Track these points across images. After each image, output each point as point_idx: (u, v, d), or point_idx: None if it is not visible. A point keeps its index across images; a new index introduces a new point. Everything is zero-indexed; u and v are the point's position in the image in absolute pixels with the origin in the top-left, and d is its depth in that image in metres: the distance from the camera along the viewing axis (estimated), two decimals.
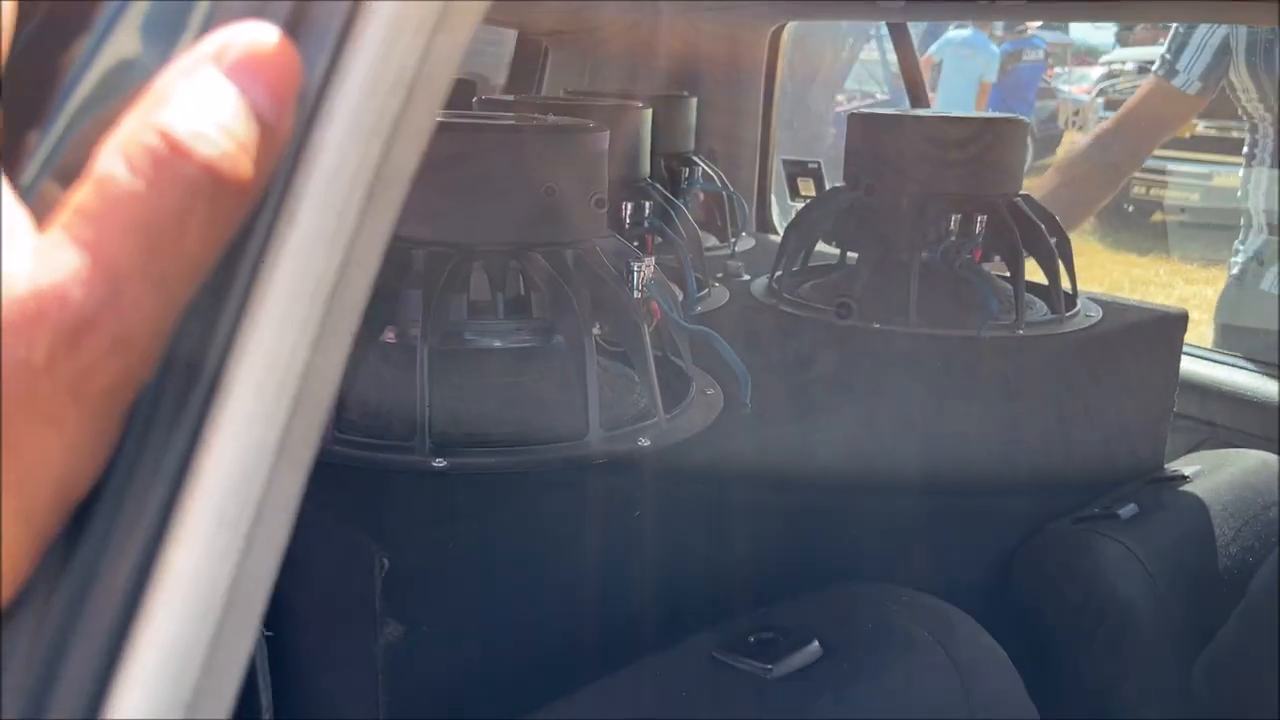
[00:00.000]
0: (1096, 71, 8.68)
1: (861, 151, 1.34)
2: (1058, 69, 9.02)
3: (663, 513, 0.81)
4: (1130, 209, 6.83)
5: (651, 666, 0.73)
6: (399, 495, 0.73)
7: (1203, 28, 1.85)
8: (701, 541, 0.84)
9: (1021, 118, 1.33)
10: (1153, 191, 6.75)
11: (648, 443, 0.83)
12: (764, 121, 2.00)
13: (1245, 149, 1.97)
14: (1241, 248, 1.96)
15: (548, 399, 0.85)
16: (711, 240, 1.70)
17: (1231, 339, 1.89)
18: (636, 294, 0.87)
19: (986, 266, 1.32)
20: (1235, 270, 1.96)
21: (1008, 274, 1.28)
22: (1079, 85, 8.94)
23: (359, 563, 0.66)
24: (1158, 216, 6.71)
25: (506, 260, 0.83)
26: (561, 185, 0.85)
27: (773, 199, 2.10)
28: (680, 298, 1.22)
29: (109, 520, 0.25)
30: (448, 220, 0.82)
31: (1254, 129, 1.91)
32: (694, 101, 1.67)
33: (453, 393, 0.83)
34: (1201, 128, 6.76)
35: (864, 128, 1.34)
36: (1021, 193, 1.33)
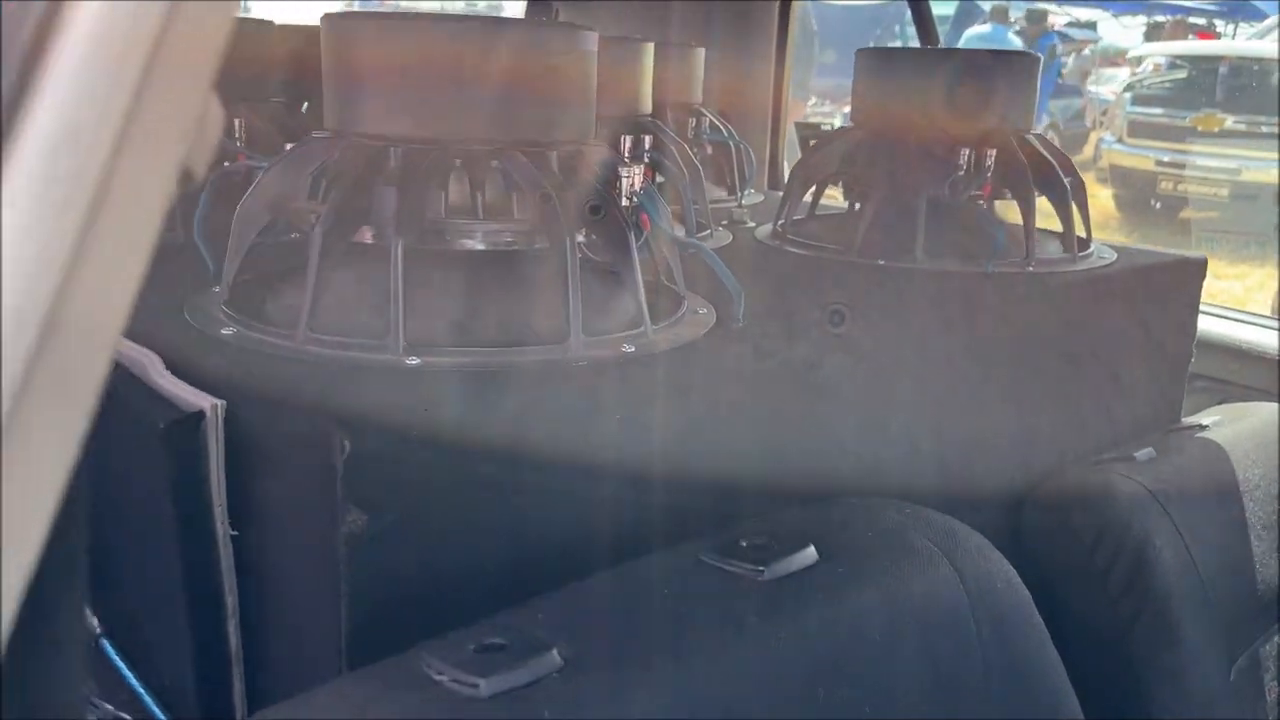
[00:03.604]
0: (1124, 72, 8.64)
1: (870, 89, 1.30)
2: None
3: (646, 418, 0.78)
4: (1157, 205, 6.76)
5: (634, 569, 0.69)
6: (368, 389, 0.70)
7: None
8: (686, 449, 0.81)
9: (1033, 53, 1.29)
10: (1180, 187, 6.68)
11: (632, 349, 0.79)
12: (776, 81, 1.96)
13: None
14: None
15: (528, 303, 0.82)
16: (720, 194, 1.66)
17: None
18: (624, 202, 0.84)
19: (997, 204, 1.28)
20: None
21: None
22: (1107, 86, 8.88)
23: (320, 448, 0.63)
24: (1186, 213, 6.63)
25: (488, 160, 0.80)
26: (547, 84, 0.81)
27: (785, 163, 2.06)
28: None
29: None
30: (426, 116, 0.79)
31: None
32: (701, 52, 1.63)
33: (429, 293, 0.80)
34: (1230, 122, 6.69)
35: (872, 64, 1.31)
36: (1034, 131, 1.29)
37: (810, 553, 0.69)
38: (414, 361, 0.74)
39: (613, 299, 0.86)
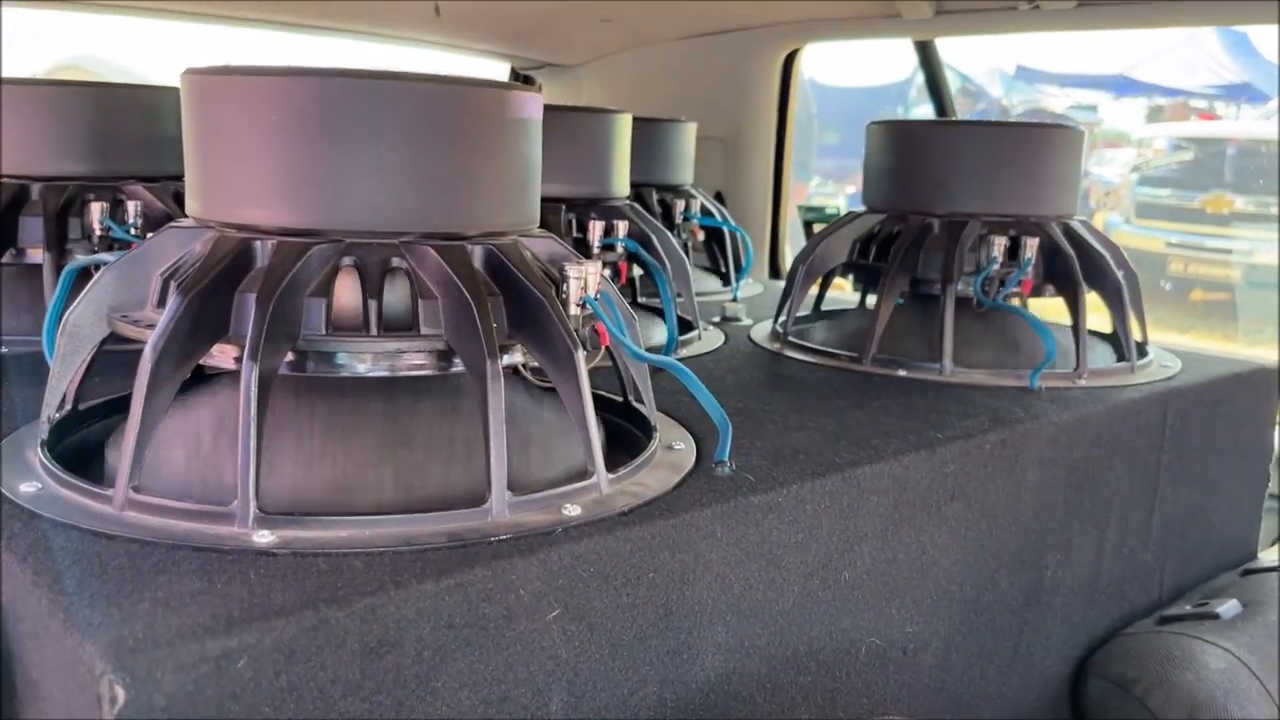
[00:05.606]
0: (1125, 154, 8.62)
1: (884, 166, 1.11)
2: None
3: (591, 618, 0.56)
4: (1168, 287, 6.64)
5: None
6: (185, 586, 0.48)
7: None
8: (647, 658, 0.59)
9: (1078, 126, 1.10)
10: (1190, 268, 6.59)
11: (577, 511, 0.59)
12: (777, 157, 1.78)
13: None
14: None
15: (436, 451, 0.61)
16: (714, 285, 1.47)
17: None
18: (574, 310, 0.64)
19: (1037, 302, 1.09)
20: None
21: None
22: (1108, 167, 8.86)
23: (85, 693, 0.42)
24: (1197, 294, 6.52)
25: (388, 256, 0.60)
26: (470, 158, 0.62)
27: (787, 248, 1.87)
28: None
29: None
30: (307, 199, 0.59)
31: None
32: (691, 127, 1.45)
33: (300, 438, 0.59)
34: (1240, 204, 6.62)
35: (887, 138, 1.12)
36: (1079, 217, 1.10)
37: None
38: (265, 539, 0.53)
39: (555, 436, 0.65)
